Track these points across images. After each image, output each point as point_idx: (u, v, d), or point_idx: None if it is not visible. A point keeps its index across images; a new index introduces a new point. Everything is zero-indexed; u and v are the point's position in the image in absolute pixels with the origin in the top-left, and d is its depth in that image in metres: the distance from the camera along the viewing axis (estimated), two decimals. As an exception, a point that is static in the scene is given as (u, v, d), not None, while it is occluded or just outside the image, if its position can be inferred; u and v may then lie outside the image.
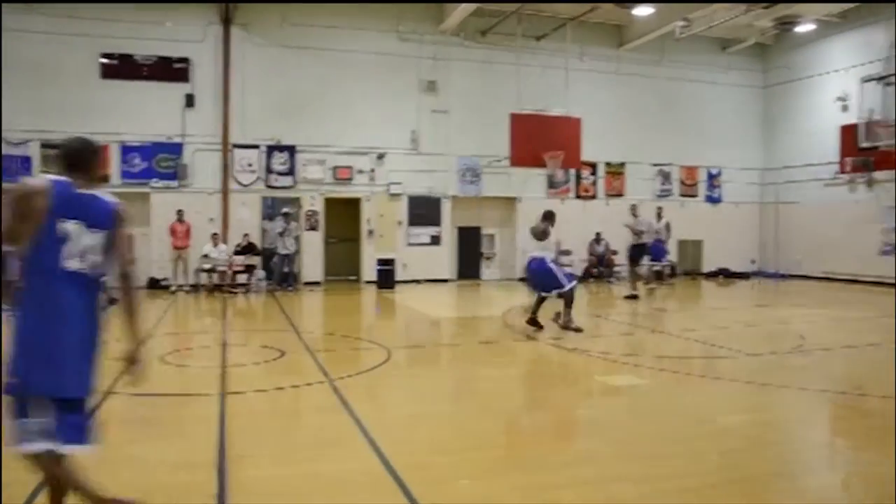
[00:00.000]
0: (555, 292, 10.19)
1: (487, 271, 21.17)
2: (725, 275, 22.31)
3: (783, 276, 21.98)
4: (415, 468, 4.59)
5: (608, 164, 22.01)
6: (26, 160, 17.57)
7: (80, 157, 3.47)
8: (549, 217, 10.68)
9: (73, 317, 3.29)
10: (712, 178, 23.17)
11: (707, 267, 22.74)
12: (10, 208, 3.18)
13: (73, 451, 3.38)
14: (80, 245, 3.28)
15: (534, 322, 10.54)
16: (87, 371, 3.41)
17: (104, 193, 3.47)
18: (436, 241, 20.26)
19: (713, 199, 23.23)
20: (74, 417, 3.35)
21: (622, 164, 22.18)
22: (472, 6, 18.48)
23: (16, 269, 3.34)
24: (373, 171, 19.78)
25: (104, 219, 3.38)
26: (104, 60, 18.08)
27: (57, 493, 3.58)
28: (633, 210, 16.49)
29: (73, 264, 3.25)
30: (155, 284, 18.06)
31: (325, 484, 4.44)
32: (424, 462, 4.82)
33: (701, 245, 22.80)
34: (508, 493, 4.31)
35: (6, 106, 16.84)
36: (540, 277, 10.34)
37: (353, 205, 19.85)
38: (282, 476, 4.57)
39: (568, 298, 9.87)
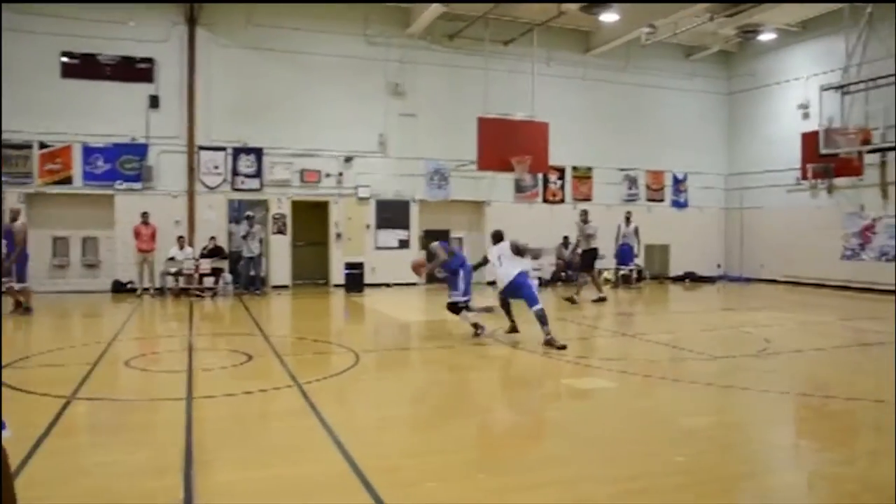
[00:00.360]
0: (534, 308, 10.05)
1: (456, 275, 21.15)
2: (692, 279, 22.61)
3: (748, 280, 22.32)
4: (383, 471, 4.57)
5: (575, 169, 22.19)
6: (-17, 160, 17.16)
7: None
8: (500, 236, 10.90)
9: None
10: (678, 183, 23.47)
11: (674, 271, 23.01)
12: None
13: None
14: None
15: (515, 329, 10.63)
16: None
17: None
18: (404, 244, 20.23)
19: (679, 204, 23.52)
20: None
21: (589, 169, 22.37)
22: (439, 10, 18.50)
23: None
24: (340, 174, 19.71)
25: None
26: (65, 59, 17.79)
27: None
28: (584, 216, 16.59)
29: None
30: (120, 288, 17.81)
31: (292, 487, 4.40)
32: (393, 465, 4.80)
33: (668, 249, 23.07)
34: (476, 495, 4.30)
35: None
36: (519, 290, 10.29)
37: (320, 208, 19.78)
38: (249, 480, 4.52)
39: (543, 316, 9.91)
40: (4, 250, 13.03)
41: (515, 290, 10.31)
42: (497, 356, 9.76)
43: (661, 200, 23.32)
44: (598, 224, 16.65)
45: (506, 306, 10.72)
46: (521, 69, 20.21)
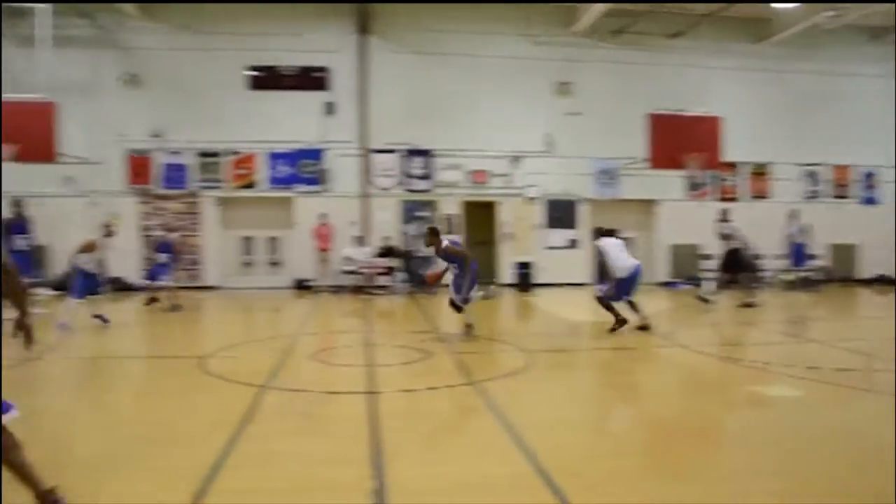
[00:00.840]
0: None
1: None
2: (884, 281, 20.86)
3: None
4: (565, 473, 4.57)
5: (751, 165, 21.15)
6: (182, 168, 18.81)
7: None
8: (610, 231, 11.58)
9: None
10: (869, 178, 21.78)
11: (863, 273, 21.36)
12: None
13: None
14: None
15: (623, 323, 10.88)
16: None
17: None
18: (573, 244, 20.07)
19: (870, 201, 21.81)
20: None
21: (766, 165, 21.25)
22: (605, 7, 18.22)
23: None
24: (508, 174, 19.87)
25: None
26: (251, 73, 19.09)
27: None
28: (722, 214, 15.40)
29: None
30: (299, 285, 18.85)
31: (479, 485, 4.50)
32: (574, 467, 4.77)
33: (855, 250, 21.46)
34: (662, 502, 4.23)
35: (167, 119, 18.29)
36: (638, 277, 11.02)
37: (488, 208, 20.01)
38: (436, 476, 4.66)
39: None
40: (164, 259, 14.63)
41: (637, 278, 10.93)
42: (671, 359, 9.52)
43: (847, 197, 21.75)
44: (738, 224, 15.33)
45: (606, 303, 11.05)
46: (692, 62, 19.58)
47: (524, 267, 19.05)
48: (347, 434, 5.67)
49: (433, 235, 10.85)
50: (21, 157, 15.41)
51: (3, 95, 15.09)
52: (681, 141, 17.29)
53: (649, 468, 4.94)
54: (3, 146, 15.00)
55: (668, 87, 18.97)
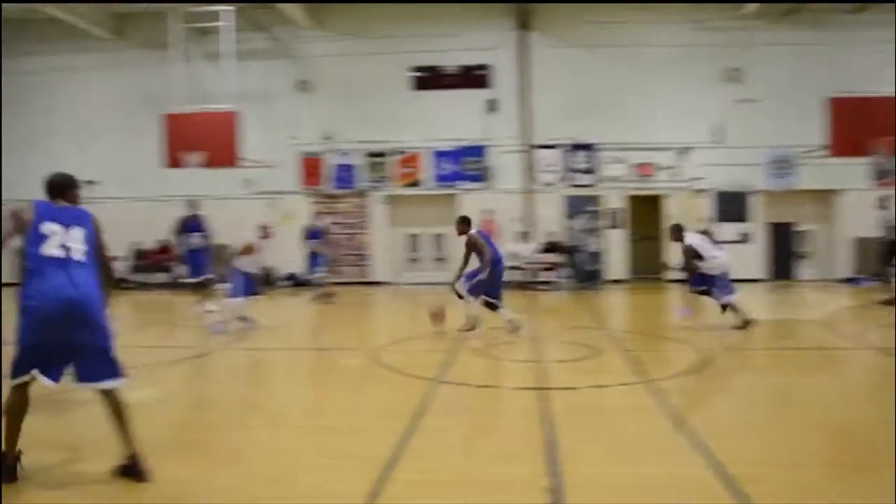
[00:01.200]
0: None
1: (803, 271, 19.55)
2: None
3: None
4: (748, 480, 4.35)
5: (949, 149, 19.31)
6: (350, 168, 19.65)
7: (54, 187, 4.61)
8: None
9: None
10: None
11: None
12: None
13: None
14: (60, 240, 4.33)
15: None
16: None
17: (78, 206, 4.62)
18: (744, 238, 19.12)
19: None
20: None
21: (966, 148, 19.34)
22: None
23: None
24: (675, 166, 19.24)
25: (78, 220, 4.48)
26: (414, 74, 19.62)
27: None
28: (880, 202, 14.07)
29: (55, 252, 4.30)
30: (462, 281, 19.17)
31: (658, 486, 4.41)
32: (757, 474, 4.52)
33: None
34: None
35: (336, 122, 19.14)
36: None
37: (654, 202, 19.48)
38: (613, 475, 4.60)
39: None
40: (314, 245, 15.35)
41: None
42: (860, 361, 8.93)
43: None
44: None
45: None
46: (877, 38, 18.06)
47: (693, 262, 18.33)
48: (519, 430, 5.73)
49: (463, 223, 10.83)
50: (209, 164, 16.67)
51: (195, 107, 16.69)
52: (866, 125, 16.01)
53: (839, 480, 4.60)
54: (194, 154, 16.35)
55: (851, 68, 17.61)
